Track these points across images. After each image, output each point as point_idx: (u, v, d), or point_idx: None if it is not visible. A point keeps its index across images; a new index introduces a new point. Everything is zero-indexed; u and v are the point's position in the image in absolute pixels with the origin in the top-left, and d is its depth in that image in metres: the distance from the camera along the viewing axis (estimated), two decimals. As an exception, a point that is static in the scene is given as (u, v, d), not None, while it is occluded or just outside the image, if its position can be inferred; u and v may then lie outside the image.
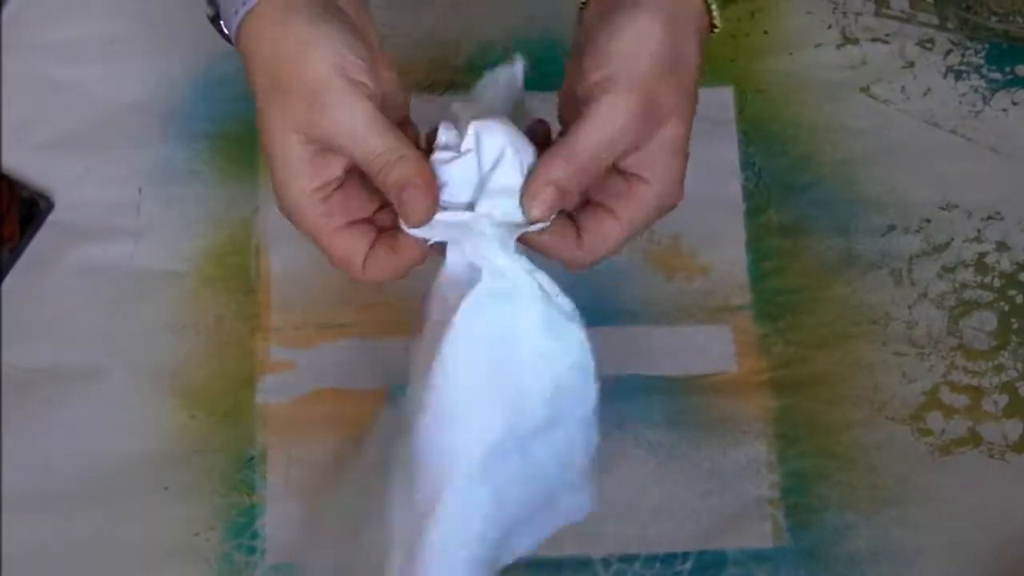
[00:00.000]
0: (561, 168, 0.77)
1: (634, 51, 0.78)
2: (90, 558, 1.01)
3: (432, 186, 0.77)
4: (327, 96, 0.77)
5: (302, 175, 0.79)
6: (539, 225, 0.78)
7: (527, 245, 0.80)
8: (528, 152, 0.79)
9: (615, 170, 0.80)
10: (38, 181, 1.10)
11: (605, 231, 0.80)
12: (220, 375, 1.06)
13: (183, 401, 1.05)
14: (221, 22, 0.84)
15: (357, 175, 0.80)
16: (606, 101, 0.77)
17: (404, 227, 0.78)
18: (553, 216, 0.78)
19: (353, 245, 0.80)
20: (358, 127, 0.77)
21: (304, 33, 0.78)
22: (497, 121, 0.79)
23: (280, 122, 0.78)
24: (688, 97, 0.80)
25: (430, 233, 0.79)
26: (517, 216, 0.78)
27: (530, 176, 0.78)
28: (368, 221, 0.82)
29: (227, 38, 0.84)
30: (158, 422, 1.04)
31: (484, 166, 0.78)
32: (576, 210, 0.82)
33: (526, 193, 0.78)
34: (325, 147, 0.78)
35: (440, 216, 0.78)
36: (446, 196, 0.79)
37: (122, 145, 1.12)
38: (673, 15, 0.79)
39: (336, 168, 0.79)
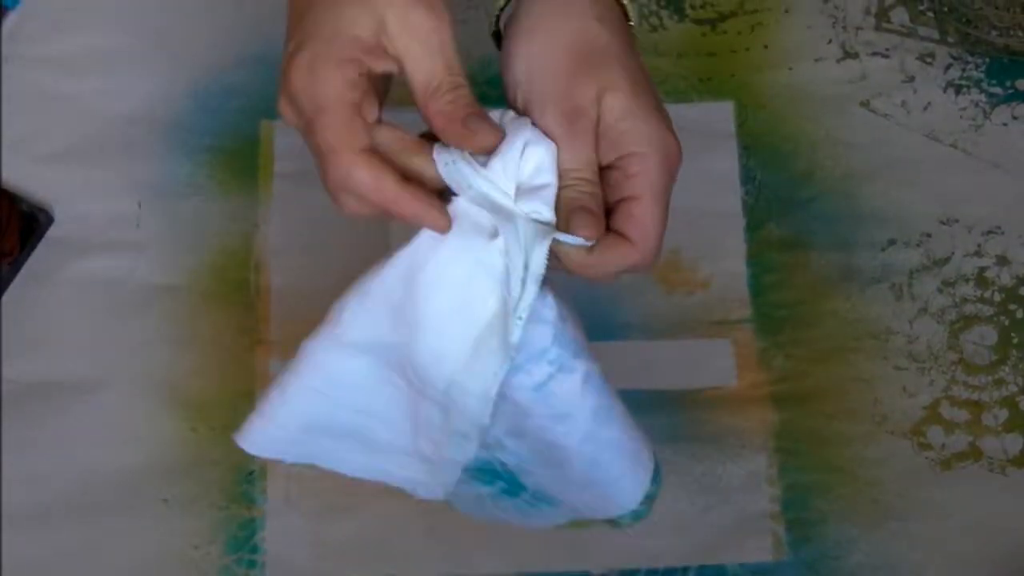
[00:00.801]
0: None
1: (533, 74, 0.80)
2: (90, 571, 1.00)
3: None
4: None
5: (347, 43, 0.77)
6: (580, 241, 0.78)
7: (593, 280, 0.80)
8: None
9: (609, 168, 0.80)
10: (38, 195, 1.10)
11: (638, 215, 0.78)
12: (220, 388, 1.05)
13: (183, 414, 1.04)
14: None
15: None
16: (535, 114, 0.79)
17: (442, 170, 0.77)
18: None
19: (361, 125, 0.77)
20: (433, 40, 0.77)
21: None
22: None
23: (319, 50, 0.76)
24: (616, 69, 0.80)
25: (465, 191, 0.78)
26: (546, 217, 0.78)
27: None
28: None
29: None
30: (158, 435, 1.04)
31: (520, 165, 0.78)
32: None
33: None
34: (379, 49, 0.77)
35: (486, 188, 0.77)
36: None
37: (122, 159, 1.12)
38: (559, 29, 0.81)
39: (376, 61, 0.77)
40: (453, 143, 0.77)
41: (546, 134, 0.78)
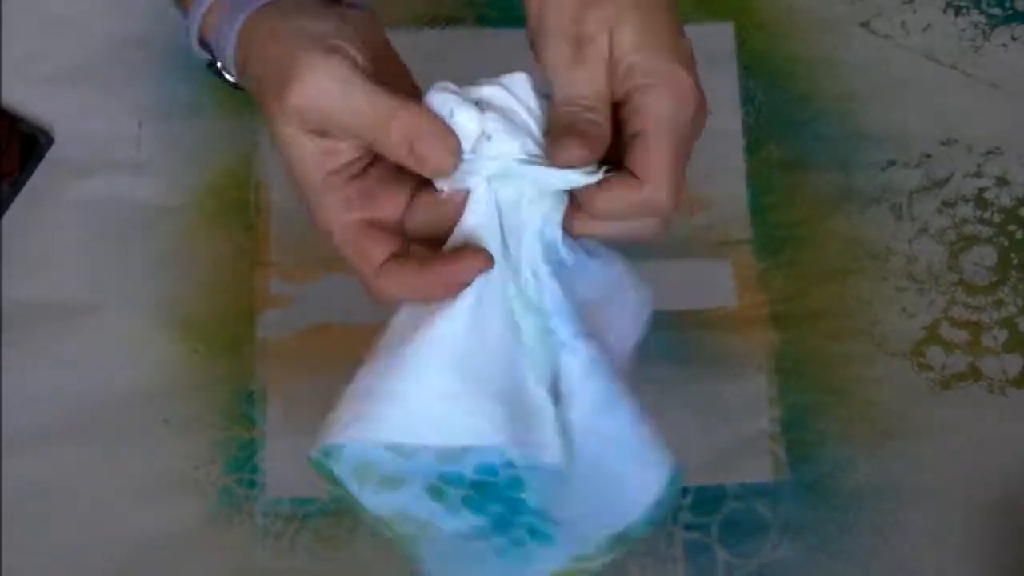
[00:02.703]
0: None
1: (545, 4, 0.74)
2: (90, 492, 0.98)
3: (443, 129, 0.71)
4: (298, 70, 0.70)
5: (312, 166, 0.72)
6: (591, 178, 0.72)
7: (614, 240, 0.75)
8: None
9: (621, 105, 0.74)
10: (38, 116, 1.07)
11: (643, 148, 0.72)
12: (221, 309, 1.03)
13: (184, 335, 1.02)
14: (218, 64, 0.81)
15: (380, 169, 0.74)
16: (539, 44, 0.74)
17: (440, 185, 0.73)
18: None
19: (371, 244, 0.73)
20: (336, 92, 0.70)
21: (267, 27, 0.73)
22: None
23: (278, 113, 0.71)
24: (628, 2, 0.74)
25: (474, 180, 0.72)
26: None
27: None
28: (399, 233, 0.74)
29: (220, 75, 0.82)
30: (158, 356, 1.02)
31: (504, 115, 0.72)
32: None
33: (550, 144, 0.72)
34: (324, 131, 0.71)
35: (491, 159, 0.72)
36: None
37: (122, 80, 1.08)
38: None
39: (346, 152, 0.72)
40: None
41: (550, 65, 0.74)
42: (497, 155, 0.71)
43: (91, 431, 0.99)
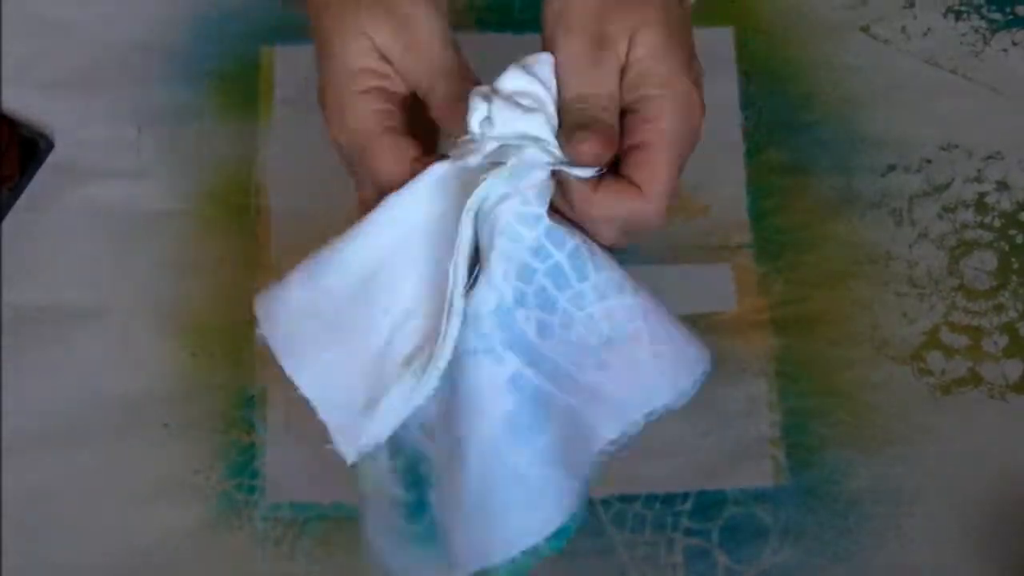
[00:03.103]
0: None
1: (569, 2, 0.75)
2: (90, 496, 0.98)
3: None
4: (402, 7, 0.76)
5: (360, 75, 0.76)
6: (588, 172, 0.72)
7: (596, 226, 0.74)
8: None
9: (627, 111, 0.75)
10: (38, 121, 1.06)
11: (646, 162, 0.73)
12: (221, 314, 1.02)
13: (184, 340, 1.02)
14: None
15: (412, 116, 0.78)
16: (558, 39, 0.75)
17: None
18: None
19: (406, 141, 0.76)
20: (433, 37, 0.76)
21: None
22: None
23: (353, 24, 0.76)
24: (652, 10, 0.75)
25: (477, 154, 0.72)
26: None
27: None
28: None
29: None
30: (158, 360, 1.01)
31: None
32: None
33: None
34: (394, 58, 0.76)
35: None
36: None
37: (123, 84, 1.08)
38: None
39: (396, 85, 0.77)
40: (456, 126, 0.74)
41: (567, 59, 0.74)
42: (498, 135, 0.71)
43: (90, 435, 0.99)
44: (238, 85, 1.08)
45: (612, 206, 0.73)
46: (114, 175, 1.05)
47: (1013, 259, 1.03)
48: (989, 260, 1.03)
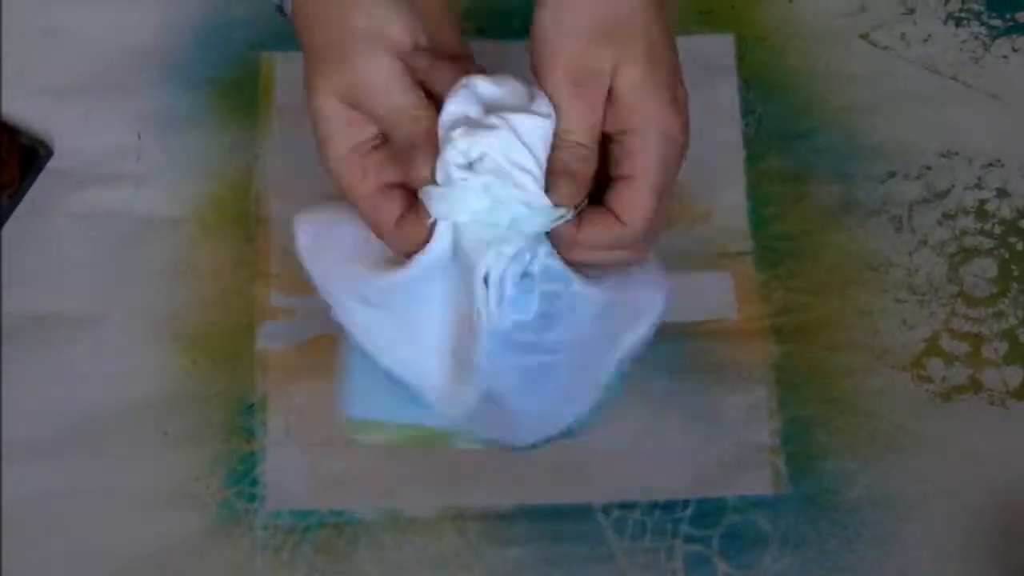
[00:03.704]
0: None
1: (549, 33, 0.76)
2: (90, 504, 0.98)
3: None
4: (353, 52, 0.77)
5: (339, 136, 0.78)
6: (564, 214, 0.75)
7: (581, 268, 0.77)
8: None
9: (611, 141, 0.77)
10: (38, 127, 1.06)
11: (629, 193, 0.76)
12: (220, 321, 1.02)
13: (183, 347, 1.01)
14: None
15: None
16: (544, 70, 0.76)
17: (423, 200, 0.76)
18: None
19: (386, 208, 0.77)
20: (380, 83, 0.76)
21: None
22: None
23: (321, 83, 0.77)
24: (637, 41, 0.76)
25: (452, 213, 0.75)
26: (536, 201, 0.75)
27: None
28: (405, 187, 0.78)
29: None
30: (158, 368, 1.01)
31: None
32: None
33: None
34: (356, 106, 0.77)
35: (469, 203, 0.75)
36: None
37: (122, 91, 1.08)
38: None
39: (371, 128, 0.78)
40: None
41: (551, 92, 0.75)
42: (474, 206, 0.74)
43: (90, 443, 0.99)
44: (238, 92, 1.08)
45: (596, 239, 0.76)
46: (114, 182, 1.05)
47: (1013, 266, 1.03)
48: (989, 267, 1.03)
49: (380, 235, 0.78)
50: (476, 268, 0.75)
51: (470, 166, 0.73)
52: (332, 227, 0.83)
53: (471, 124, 0.73)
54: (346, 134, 0.78)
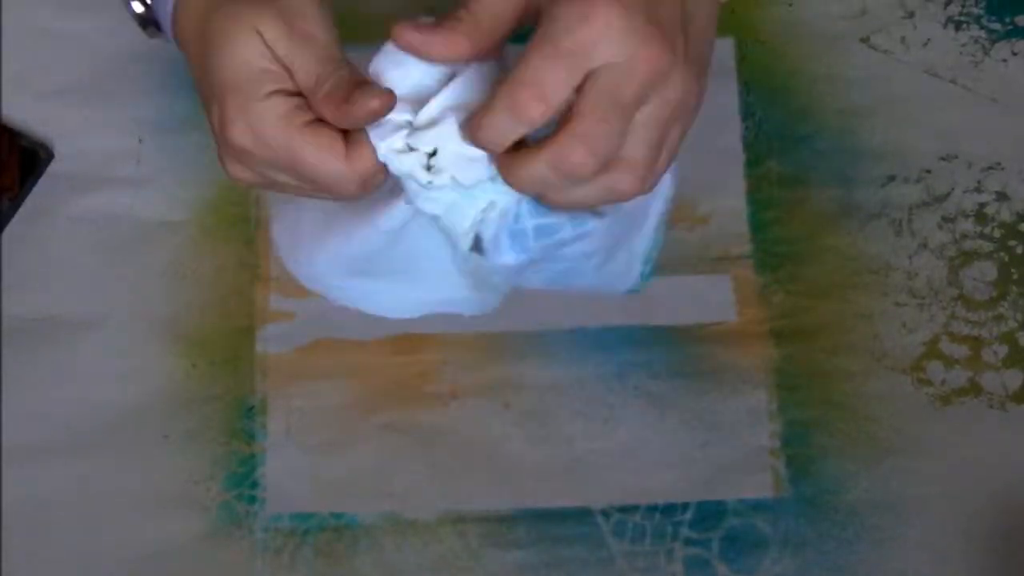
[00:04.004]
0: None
1: None
2: (89, 506, 0.98)
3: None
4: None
5: (261, 78, 0.72)
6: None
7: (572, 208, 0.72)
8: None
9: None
10: (38, 131, 1.06)
11: (573, 114, 0.66)
12: (220, 324, 1.02)
13: (183, 350, 1.01)
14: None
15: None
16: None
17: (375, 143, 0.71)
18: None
19: (330, 135, 0.71)
20: (319, 30, 0.72)
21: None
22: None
23: (247, 19, 0.72)
24: None
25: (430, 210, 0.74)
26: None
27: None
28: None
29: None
30: (158, 371, 1.01)
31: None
32: None
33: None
34: (276, 53, 0.72)
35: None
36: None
37: (122, 95, 1.08)
38: None
39: (291, 84, 0.72)
40: (346, 124, 0.70)
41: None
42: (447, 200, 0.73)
43: (90, 446, 0.99)
44: (238, 95, 1.08)
45: (528, 162, 0.67)
46: (114, 185, 1.05)
47: (1013, 269, 1.03)
48: (989, 270, 1.03)
49: (334, 160, 0.71)
50: (459, 239, 0.74)
51: (429, 168, 0.70)
52: (300, 213, 0.83)
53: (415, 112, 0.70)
54: (273, 79, 0.72)
